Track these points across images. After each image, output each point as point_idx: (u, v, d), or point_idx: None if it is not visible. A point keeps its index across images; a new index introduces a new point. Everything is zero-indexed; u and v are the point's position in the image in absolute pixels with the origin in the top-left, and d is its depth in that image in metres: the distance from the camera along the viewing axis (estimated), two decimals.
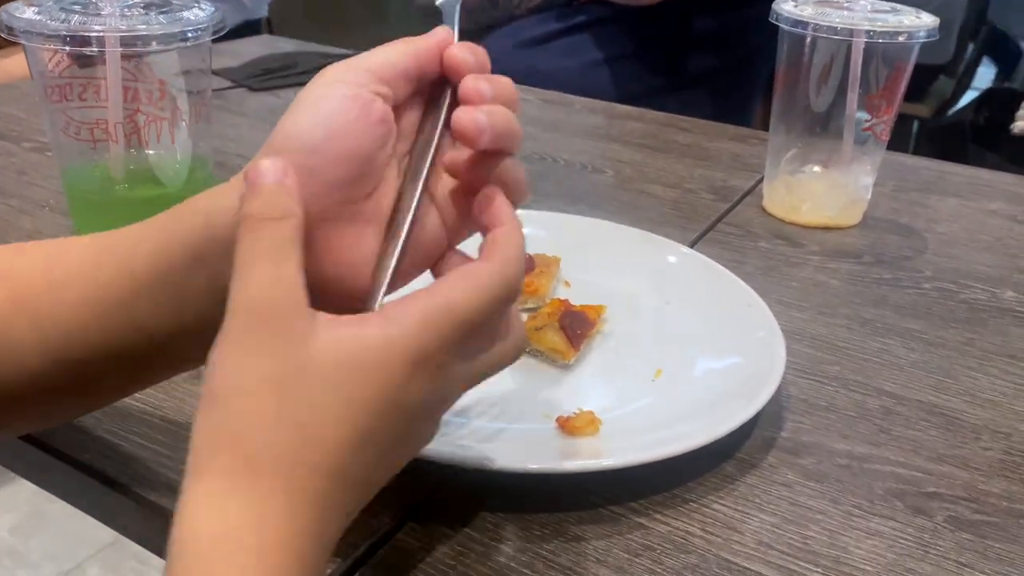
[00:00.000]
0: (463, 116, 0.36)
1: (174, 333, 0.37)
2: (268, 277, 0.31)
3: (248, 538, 0.28)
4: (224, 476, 0.29)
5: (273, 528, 0.28)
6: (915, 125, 2.32)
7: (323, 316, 0.32)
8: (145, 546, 0.49)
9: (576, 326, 0.56)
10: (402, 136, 0.39)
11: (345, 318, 0.32)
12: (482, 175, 0.38)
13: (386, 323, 0.32)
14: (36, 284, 0.38)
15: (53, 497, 0.52)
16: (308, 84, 0.37)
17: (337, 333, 0.31)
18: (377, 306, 0.35)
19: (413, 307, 0.33)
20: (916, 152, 1.04)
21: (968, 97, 2.33)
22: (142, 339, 0.37)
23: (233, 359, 0.30)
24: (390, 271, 0.36)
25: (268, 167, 0.33)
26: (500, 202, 0.37)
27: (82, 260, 0.38)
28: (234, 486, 0.28)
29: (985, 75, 2.67)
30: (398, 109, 0.38)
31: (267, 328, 0.30)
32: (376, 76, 0.37)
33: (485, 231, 0.37)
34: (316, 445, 0.30)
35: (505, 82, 0.38)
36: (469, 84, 0.37)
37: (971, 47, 2.48)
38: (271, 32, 2.28)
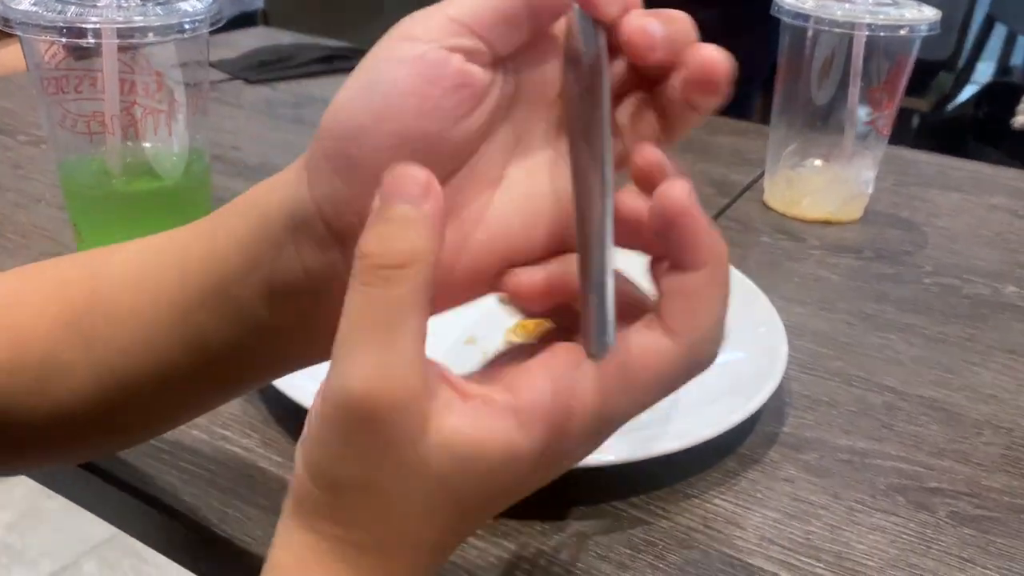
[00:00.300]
0: (633, 22, 0.27)
1: (231, 349, 0.32)
2: (373, 366, 0.25)
3: None
4: (329, 540, 0.28)
5: None
6: (915, 119, 2.32)
7: (441, 401, 0.26)
8: (144, 542, 0.49)
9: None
10: (522, 99, 0.29)
11: (471, 404, 0.27)
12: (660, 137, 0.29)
13: (517, 428, 0.26)
14: (85, 299, 0.34)
15: (50, 493, 0.52)
16: (379, 40, 0.29)
17: (453, 433, 0.26)
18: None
19: (554, 411, 0.27)
20: (916, 146, 1.04)
21: (968, 92, 2.33)
22: (197, 359, 0.32)
23: (325, 459, 0.27)
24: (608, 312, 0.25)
25: (404, 180, 0.26)
26: (705, 229, 0.27)
27: (126, 272, 0.34)
28: (342, 554, 0.28)
29: (984, 70, 2.67)
30: (509, 62, 0.29)
31: (363, 432, 0.26)
32: (459, 25, 0.27)
33: (672, 255, 0.27)
34: (414, 536, 0.28)
35: (681, 17, 0.28)
36: (634, 24, 0.28)
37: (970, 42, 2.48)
38: (267, 24, 2.27)
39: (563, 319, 0.31)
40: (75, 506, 0.51)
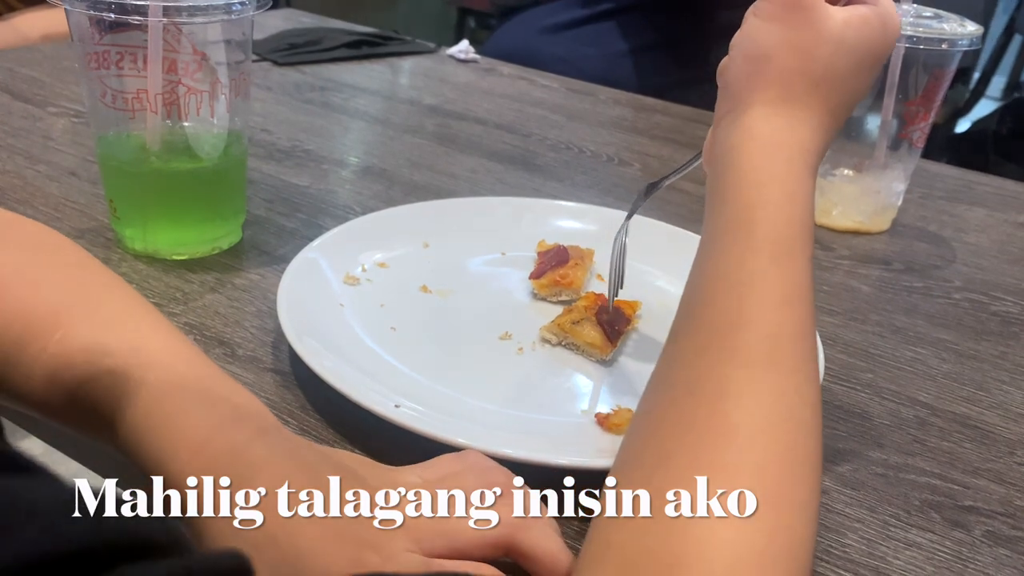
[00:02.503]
0: None
1: None
2: None
3: (786, 144, 0.43)
4: (768, 104, 0.43)
5: (803, 138, 0.43)
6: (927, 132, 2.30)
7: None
8: None
9: (614, 322, 0.56)
10: None
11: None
12: None
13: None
14: None
15: (59, 458, 0.52)
16: None
17: (848, 11, 0.44)
18: None
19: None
20: (928, 159, 1.04)
21: (983, 105, 2.33)
22: None
23: (764, 32, 0.44)
24: None
25: None
26: None
27: None
28: (776, 111, 0.43)
29: (996, 84, 2.66)
30: None
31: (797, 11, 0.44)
32: None
33: None
34: (828, 88, 0.44)
35: None
36: None
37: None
38: (288, 4, 2.26)
39: None
40: (85, 475, 0.51)
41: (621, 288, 0.58)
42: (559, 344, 0.57)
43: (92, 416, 0.38)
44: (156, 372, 0.38)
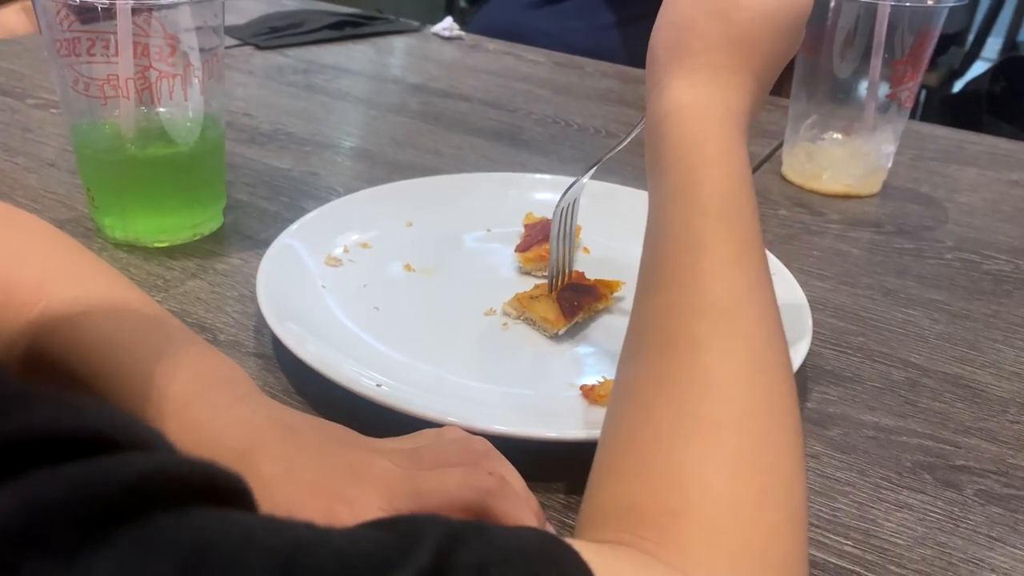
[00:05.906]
0: None
1: None
2: None
3: (715, 108, 0.43)
4: (694, 72, 0.44)
5: (729, 101, 0.44)
6: (922, 94, 2.29)
7: None
8: None
9: (574, 298, 0.55)
10: None
11: None
12: None
13: None
14: None
15: None
16: None
17: None
18: None
19: None
20: (924, 121, 1.03)
21: (977, 67, 2.31)
22: None
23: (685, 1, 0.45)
24: None
25: None
26: None
27: None
28: (701, 78, 0.44)
29: (992, 45, 2.63)
30: None
31: None
32: None
33: None
34: (749, 51, 0.45)
35: None
36: None
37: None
38: None
39: None
40: None
41: (572, 267, 0.58)
42: (518, 319, 0.56)
43: (73, 383, 0.38)
44: (137, 338, 0.38)
